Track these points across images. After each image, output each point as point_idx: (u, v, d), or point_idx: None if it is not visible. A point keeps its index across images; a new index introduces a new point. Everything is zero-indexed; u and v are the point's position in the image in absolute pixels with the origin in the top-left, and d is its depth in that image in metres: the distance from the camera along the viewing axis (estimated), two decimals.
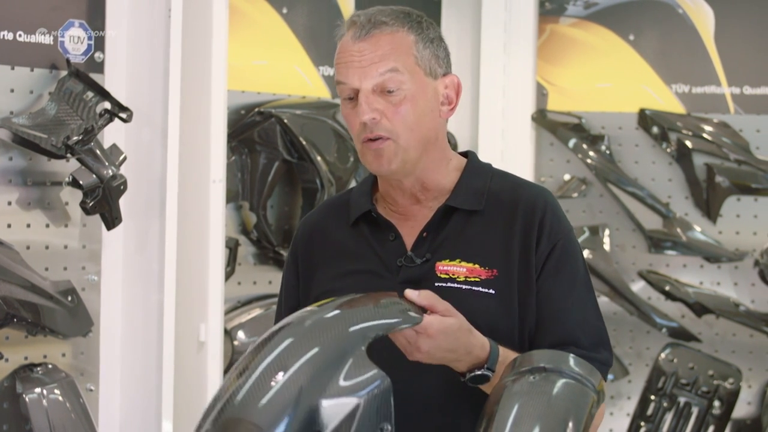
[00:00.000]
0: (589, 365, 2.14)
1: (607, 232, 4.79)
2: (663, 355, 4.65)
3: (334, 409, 1.92)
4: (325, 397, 1.92)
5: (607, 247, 4.78)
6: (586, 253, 4.70)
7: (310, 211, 2.68)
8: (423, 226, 2.44)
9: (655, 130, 4.71)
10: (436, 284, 2.39)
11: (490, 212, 2.45)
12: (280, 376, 1.92)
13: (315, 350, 1.97)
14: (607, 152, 4.77)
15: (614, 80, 4.82)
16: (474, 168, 2.51)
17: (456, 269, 2.40)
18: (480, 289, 2.38)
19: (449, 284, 2.39)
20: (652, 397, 4.62)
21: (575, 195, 4.79)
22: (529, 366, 2.13)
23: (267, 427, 1.88)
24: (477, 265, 2.40)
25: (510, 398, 2.07)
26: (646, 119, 4.73)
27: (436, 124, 2.43)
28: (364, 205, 2.50)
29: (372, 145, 2.37)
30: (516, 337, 2.39)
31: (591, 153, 4.76)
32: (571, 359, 2.14)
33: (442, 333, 2.21)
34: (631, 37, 4.79)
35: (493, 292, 2.39)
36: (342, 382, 1.95)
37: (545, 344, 2.38)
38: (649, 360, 4.73)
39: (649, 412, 4.62)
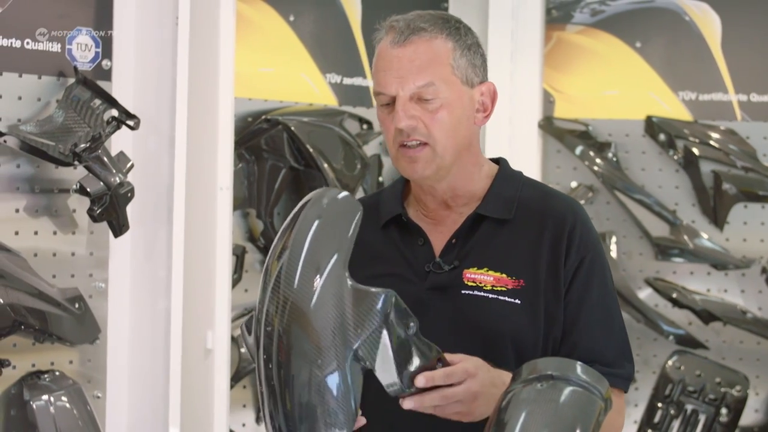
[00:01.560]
0: (597, 373, 2.14)
1: (614, 239, 4.79)
2: (670, 363, 4.65)
3: (369, 343, 2.07)
4: (359, 344, 2.07)
5: (614, 254, 4.78)
6: None
7: None
8: (452, 233, 2.45)
9: (662, 137, 4.71)
10: (463, 292, 2.40)
11: (519, 222, 2.45)
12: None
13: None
14: (614, 159, 4.77)
15: (621, 87, 4.82)
16: (505, 175, 2.51)
17: (483, 278, 2.40)
18: (506, 298, 2.39)
19: (476, 292, 2.39)
20: (659, 405, 4.62)
21: (582, 202, 4.78)
22: (537, 373, 2.13)
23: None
24: (504, 275, 2.40)
25: (517, 406, 2.07)
26: (653, 126, 4.73)
27: (470, 131, 2.44)
28: (394, 208, 2.51)
29: (407, 152, 2.37)
30: (540, 348, 2.39)
31: (598, 160, 4.76)
32: (578, 367, 2.14)
33: (476, 367, 2.21)
34: (638, 45, 4.79)
35: (519, 302, 2.39)
36: (359, 321, 2.07)
37: (570, 357, 2.37)
38: (656, 367, 4.73)
39: (657, 419, 4.61)
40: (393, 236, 2.50)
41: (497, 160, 2.57)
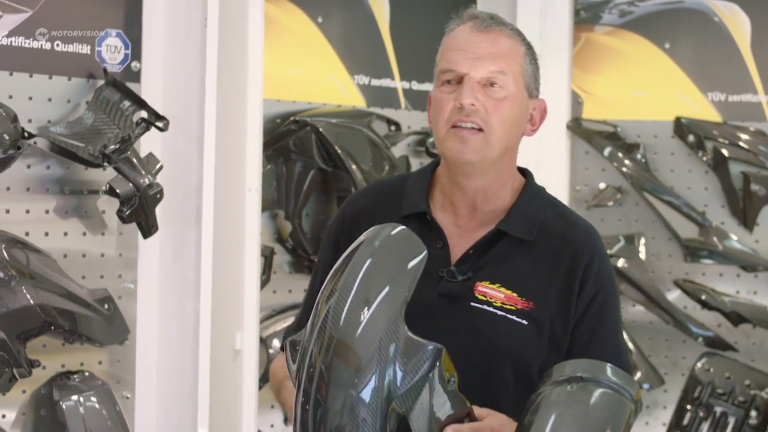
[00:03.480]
0: (627, 375, 2.14)
1: (642, 240, 4.77)
2: (699, 365, 4.63)
3: (409, 396, 2.07)
4: (400, 393, 2.07)
5: (642, 255, 4.76)
6: (621, 262, 4.68)
7: (359, 190, 2.66)
8: (472, 243, 2.44)
9: (691, 138, 4.69)
10: (472, 304, 2.40)
11: (539, 245, 2.45)
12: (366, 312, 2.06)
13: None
14: (643, 161, 4.75)
15: (650, 89, 4.80)
16: (530, 192, 2.52)
17: (494, 293, 2.41)
18: (513, 317, 2.39)
19: (484, 306, 2.40)
20: (688, 407, 4.60)
21: (610, 204, 4.77)
22: (567, 375, 2.12)
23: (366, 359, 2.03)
24: (515, 294, 2.41)
25: (547, 408, 2.07)
26: (681, 128, 4.71)
27: (519, 136, 2.47)
28: (420, 203, 2.50)
29: (461, 132, 2.38)
30: (536, 373, 2.38)
31: (626, 161, 4.74)
32: (609, 368, 2.13)
33: (501, 425, 2.22)
34: (667, 46, 4.77)
35: (526, 323, 2.40)
36: (405, 373, 2.06)
37: None
38: (685, 369, 4.71)
39: (685, 421, 4.59)
40: (412, 231, 2.49)
41: (523, 172, 2.57)
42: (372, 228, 2.19)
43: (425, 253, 2.15)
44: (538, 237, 2.46)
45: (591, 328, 2.43)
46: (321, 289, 2.16)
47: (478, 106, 2.37)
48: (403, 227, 2.19)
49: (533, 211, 2.48)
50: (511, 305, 2.40)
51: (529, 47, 2.49)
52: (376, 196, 2.61)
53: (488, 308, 2.40)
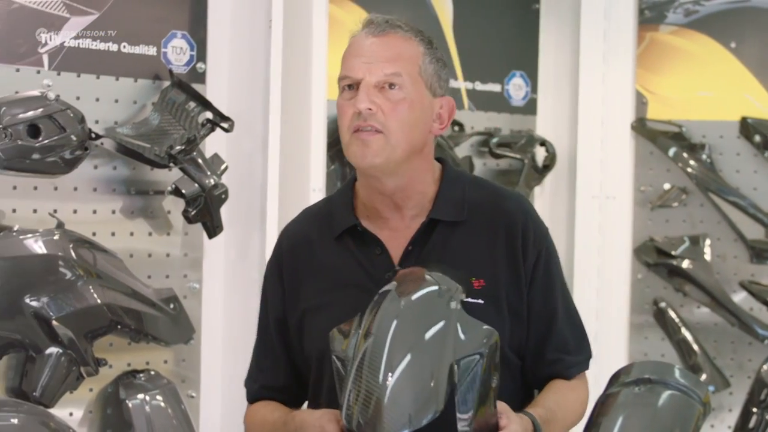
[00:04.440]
0: (695, 376, 2.13)
1: (707, 242, 4.73)
2: (765, 367, 4.58)
3: (464, 367, 2.13)
4: (458, 357, 2.13)
5: (707, 257, 4.72)
6: (686, 263, 4.65)
7: (291, 221, 2.70)
8: (408, 240, 2.47)
9: (757, 138, 4.65)
10: None
11: (472, 223, 2.49)
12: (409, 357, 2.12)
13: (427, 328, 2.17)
14: (708, 161, 4.71)
15: (715, 88, 4.76)
16: (450, 177, 2.55)
17: None
18: (469, 299, 2.39)
19: None
20: (754, 410, 4.55)
21: (675, 204, 4.73)
22: (634, 377, 2.12)
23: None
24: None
25: (615, 410, 2.07)
26: (747, 128, 4.66)
27: (425, 136, 2.48)
28: (348, 219, 2.53)
29: (361, 135, 2.40)
30: (506, 344, 2.41)
31: (691, 162, 4.70)
32: (677, 370, 2.12)
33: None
34: (733, 45, 4.73)
35: (482, 301, 2.42)
36: (464, 340, 2.15)
37: (538, 349, 2.48)
38: (751, 372, 4.66)
39: (751, 424, 4.54)
40: (349, 246, 2.52)
41: (440, 160, 2.59)
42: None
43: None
44: (469, 216, 2.50)
45: (543, 291, 2.49)
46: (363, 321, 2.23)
47: (375, 109, 2.39)
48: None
49: (458, 193, 2.52)
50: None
51: (430, 46, 2.50)
52: (308, 221, 2.65)
53: None
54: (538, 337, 2.49)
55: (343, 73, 2.47)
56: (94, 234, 3.32)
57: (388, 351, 2.12)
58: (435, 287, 2.24)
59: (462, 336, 2.16)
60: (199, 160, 3.41)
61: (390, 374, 2.09)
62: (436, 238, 2.47)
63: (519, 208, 2.53)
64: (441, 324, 2.17)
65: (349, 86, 2.45)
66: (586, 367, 2.54)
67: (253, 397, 2.72)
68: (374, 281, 2.44)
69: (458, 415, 2.12)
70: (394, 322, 2.16)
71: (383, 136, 2.39)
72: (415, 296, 2.22)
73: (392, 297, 2.21)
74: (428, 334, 2.15)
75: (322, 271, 2.53)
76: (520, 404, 2.40)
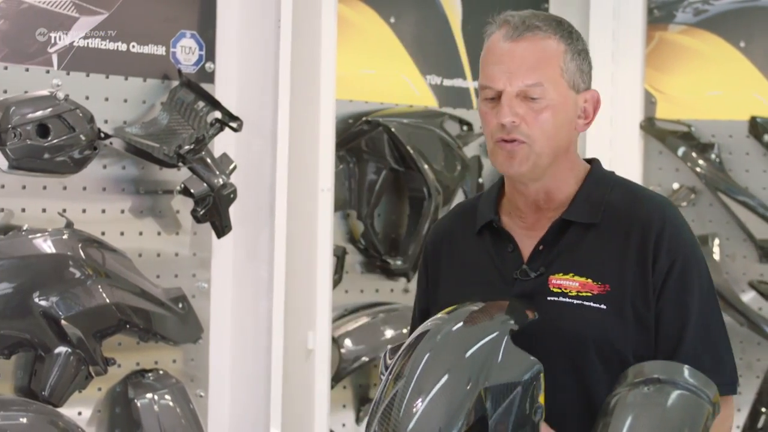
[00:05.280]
0: (705, 377, 2.11)
1: (716, 241, 4.73)
2: None
3: (497, 394, 2.10)
4: (490, 384, 2.10)
5: (716, 256, 4.71)
6: None
7: (444, 215, 2.71)
8: (540, 239, 2.43)
9: (766, 138, 4.64)
10: (548, 298, 2.38)
11: (606, 225, 2.41)
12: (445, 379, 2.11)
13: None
14: (717, 161, 4.71)
15: (724, 88, 4.76)
16: (595, 178, 2.48)
17: (568, 283, 2.38)
18: (591, 304, 2.35)
19: (561, 298, 2.37)
20: (763, 410, 4.55)
21: (684, 204, 4.73)
22: (643, 377, 2.11)
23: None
24: (590, 280, 2.37)
25: (624, 409, 2.06)
26: (757, 127, 4.66)
27: (570, 135, 2.42)
28: (488, 214, 2.49)
29: (506, 146, 2.36)
30: (630, 353, 2.35)
31: (700, 161, 4.70)
32: (686, 370, 2.11)
33: None
34: (742, 45, 4.72)
35: (605, 307, 2.35)
36: (500, 370, 2.12)
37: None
38: (760, 372, 4.66)
39: (760, 424, 4.55)
40: (486, 242, 2.49)
41: (590, 161, 2.54)
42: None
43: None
44: (605, 219, 2.42)
45: (675, 300, 2.36)
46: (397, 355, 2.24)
47: (518, 121, 2.34)
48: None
49: (598, 195, 2.44)
50: (587, 292, 2.37)
51: (571, 40, 2.41)
52: (455, 216, 2.64)
53: (564, 299, 2.37)
54: (665, 350, 2.35)
55: (482, 81, 2.40)
56: (103, 233, 3.33)
57: (413, 388, 2.12)
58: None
59: (499, 361, 2.13)
60: (208, 160, 3.41)
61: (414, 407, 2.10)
62: (567, 239, 2.42)
63: (658, 213, 2.41)
64: (477, 345, 2.17)
65: (491, 98, 2.38)
66: (726, 391, 2.33)
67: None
68: (503, 278, 2.41)
69: None
70: (426, 356, 2.16)
71: (527, 145, 2.35)
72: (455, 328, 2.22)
73: (428, 336, 2.20)
74: (461, 356, 2.16)
75: (460, 266, 2.51)
76: None
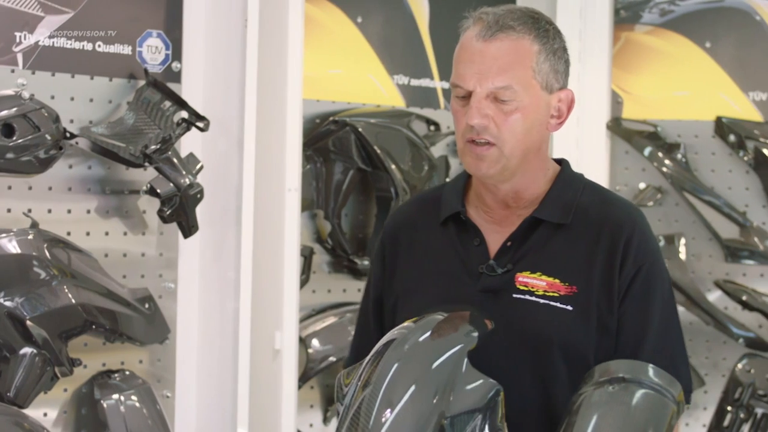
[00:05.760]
0: (669, 376, 2.13)
1: (683, 241, 4.75)
2: (740, 366, 4.60)
3: (459, 422, 2.07)
4: (452, 414, 2.07)
5: (682, 256, 4.73)
6: None
7: (402, 203, 2.68)
8: (508, 235, 2.43)
9: (732, 138, 4.66)
10: (514, 295, 2.38)
11: (576, 227, 2.42)
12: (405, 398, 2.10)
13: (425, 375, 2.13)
14: (683, 161, 4.73)
15: (690, 88, 4.78)
16: (566, 178, 2.48)
17: (535, 282, 2.38)
18: (557, 304, 2.36)
19: (527, 296, 2.38)
20: (729, 408, 4.57)
21: (650, 204, 4.74)
22: (608, 376, 2.12)
23: None
24: (557, 280, 2.38)
25: (589, 408, 2.07)
26: (722, 127, 4.68)
27: (541, 135, 2.42)
28: (455, 205, 2.49)
29: (475, 149, 2.36)
30: (591, 356, 2.35)
31: (667, 161, 4.72)
32: (651, 369, 2.13)
33: None
34: (708, 45, 4.74)
35: (571, 308, 2.36)
36: (461, 398, 2.09)
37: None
38: (726, 371, 4.68)
39: (726, 423, 4.56)
40: (450, 234, 2.49)
41: (560, 161, 2.54)
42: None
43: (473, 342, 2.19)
44: (575, 220, 2.42)
45: (637, 308, 2.38)
46: (362, 368, 2.22)
47: (487, 122, 2.33)
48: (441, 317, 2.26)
49: (568, 196, 2.45)
50: (553, 292, 2.37)
51: (546, 39, 2.38)
52: (417, 205, 2.63)
53: (530, 298, 2.37)
54: (624, 356, 2.36)
55: (454, 79, 2.38)
56: (68, 234, 3.31)
57: (381, 398, 2.11)
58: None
59: (461, 382, 2.12)
60: (174, 160, 3.40)
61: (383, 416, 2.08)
62: (536, 237, 2.42)
63: (628, 218, 2.43)
64: (443, 357, 2.16)
65: (462, 96, 2.37)
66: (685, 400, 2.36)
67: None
68: (468, 271, 2.41)
69: None
70: (394, 367, 2.15)
71: (497, 148, 2.34)
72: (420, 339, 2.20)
73: (395, 345, 2.19)
74: (428, 368, 2.15)
75: (420, 256, 2.50)
76: None
